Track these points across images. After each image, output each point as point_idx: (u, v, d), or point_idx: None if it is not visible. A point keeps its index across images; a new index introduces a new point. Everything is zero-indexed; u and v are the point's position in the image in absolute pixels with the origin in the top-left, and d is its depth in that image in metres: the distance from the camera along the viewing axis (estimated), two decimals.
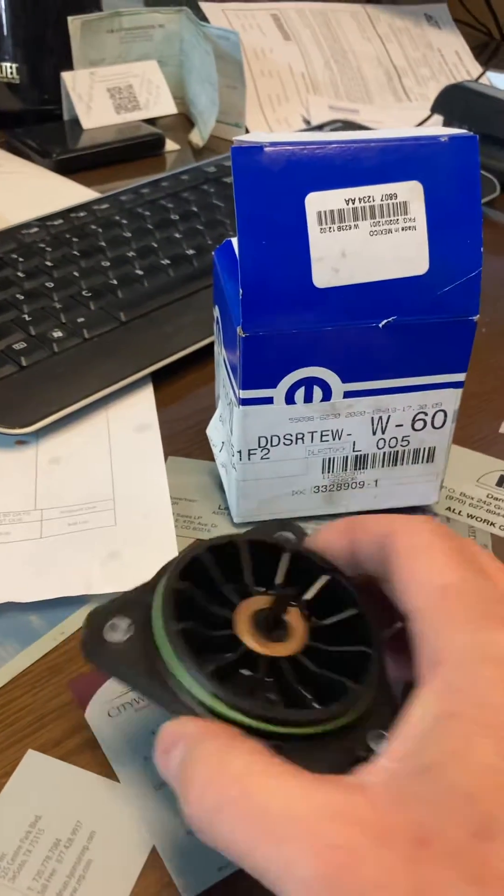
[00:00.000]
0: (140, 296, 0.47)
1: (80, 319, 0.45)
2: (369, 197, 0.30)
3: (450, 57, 0.93)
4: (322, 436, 0.34)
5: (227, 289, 0.32)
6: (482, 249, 0.31)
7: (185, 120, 0.81)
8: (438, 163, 0.30)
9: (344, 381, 0.33)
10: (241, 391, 0.32)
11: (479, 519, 0.38)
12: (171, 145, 0.75)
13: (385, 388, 0.33)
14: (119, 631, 0.24)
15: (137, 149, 0.73)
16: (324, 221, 0.30)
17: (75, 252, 0.51)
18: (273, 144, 0.29)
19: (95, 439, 0.40)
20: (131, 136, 0.73)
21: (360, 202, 0.30)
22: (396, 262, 0.30)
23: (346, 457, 0.35)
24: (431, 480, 0.37)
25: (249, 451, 0.34)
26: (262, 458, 0.34)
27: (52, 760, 0.28)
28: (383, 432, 0.35)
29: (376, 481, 0.36)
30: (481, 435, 0.43)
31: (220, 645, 0.24)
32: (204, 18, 0.81)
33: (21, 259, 0.49)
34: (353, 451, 0.35)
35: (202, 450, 0.40)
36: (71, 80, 0.73)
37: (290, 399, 0.33)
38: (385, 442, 0.35)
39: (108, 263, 0.50)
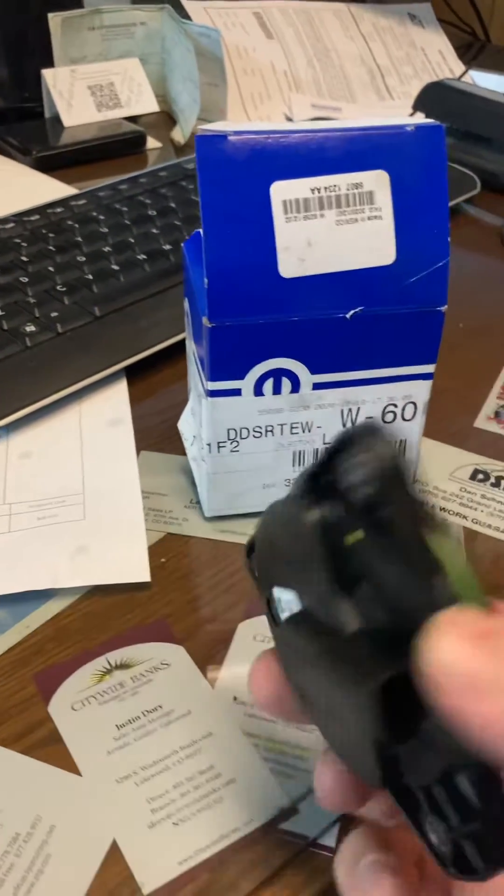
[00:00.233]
0: (115, 291, 0.47)
1: (54, 314, 0.45)
2: (335, 186, 0.30)
3: (433, 56, 0.93)
4: (292, 428, 0.34)
5: (194, 280, 0.32)
6: (449, 239, 0.31)
7: (167, 117, 0.81)
8: (405, 152, 0.30)
9: (312, 372, 0.33)
10: (208, 382, 0.32)
11: (451, 512, 0.38)
12: (152, 143, 0.75)
13: (354, 380, 0.33)
14: None
15: (118, 146, 0.72)
16: (289, 210, 0.30)
17: (51, 247, 0.50)
18: (237, 133, 0.29)
19: (67, 434, 0.40)
20: (112, 133, 0.72)
21: (325, 191, 0.30)
22: (363, 251, 0.30)
23: (317, 449, 0.35)
24: None
25: (219, 443, 0.34)
26: (231, 451, 0.34)
27: (13, 754, 0.28)
28: (353, 424, 0.35)
29: None
30: (456, 429, 0.43)
31: None
32: (186, 16, 0.81)
33: None
34: (323, 443, 0.35)
35: (175, 445, 0.40)
36: (52, 78, 0.73)
37: (258, 391, 0.33)
38: None
39: (84, 259, 0.50)
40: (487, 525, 0.37)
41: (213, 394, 0.32)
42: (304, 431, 0.34)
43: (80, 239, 0.51)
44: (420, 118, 0.74)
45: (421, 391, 0.34)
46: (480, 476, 0.39)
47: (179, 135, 0.75)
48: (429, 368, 0.34)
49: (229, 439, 0.34)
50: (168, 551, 0.35)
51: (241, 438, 0.34)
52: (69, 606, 0.33)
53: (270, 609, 0.21)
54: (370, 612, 0.18)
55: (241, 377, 0.32)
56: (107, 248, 0.51)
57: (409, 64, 0.90)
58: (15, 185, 0.65)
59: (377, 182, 0.30)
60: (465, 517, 0.37)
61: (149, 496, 0.37)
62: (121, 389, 0.43)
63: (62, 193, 0.60)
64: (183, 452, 0.39)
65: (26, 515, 0.36)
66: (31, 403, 0.40)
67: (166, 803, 0.27)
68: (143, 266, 0.49)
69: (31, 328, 0.43)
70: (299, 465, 0.35)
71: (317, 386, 0.33)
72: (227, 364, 0.32)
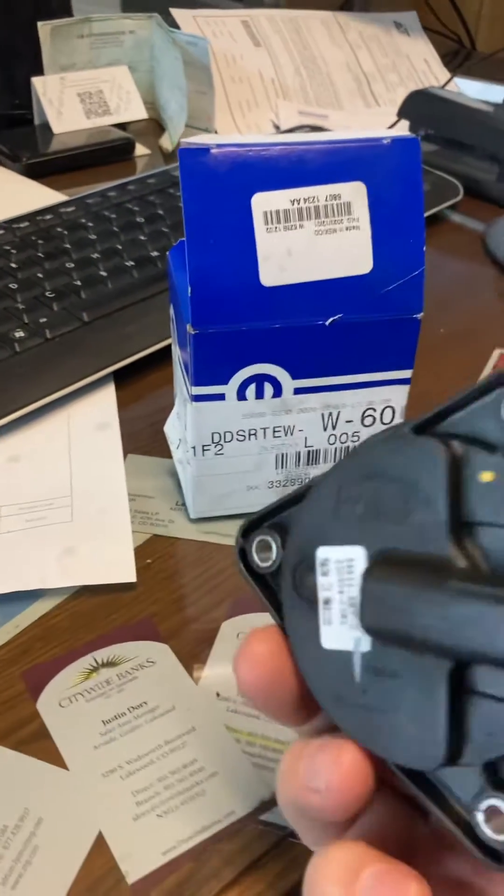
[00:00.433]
0: (103, 296, 0.48)
1: (43, 320, 0.45)
2: (314, 197, 0.31)
3: (418, 64, 0.94)
4: (274, 432, 0.35)
5: (179, 288, 0.33)
6: (424, 248, 0.32)
7: (155, 125, 0.82)
8: (381, 164, 0.31)
9: (294, 377, 0.34)
10: (192, 388, 0.33)
11: None
12: (141, 150, 0.75)
13: (334, 385, 0.34)
14: None
15: (107, 153, 0.73)
16: (270, 221, 0.30)
17: (40, 254, 0.51)
18: (220, 146, 0.30)
19: (55, 437, 0.41)
20: (101, 140, 0.73)
21: (304, 202, 0.31)
22: (341, 261, 0.31)
23: (299, 452, 0.36)
24: None
25: (203, 446, 0.35)
26: (216, 454, 0.35)
27: (2, 750, 0.28)
28: (334, 428, 0.36)
29: None
30: None
31: None
32: (175, 25, 0.82)
33: None
34: (305, 446, 0.36)
35: (161, 448, 0.41)
36: (41, 85, 0.74)
37: (241, 395, 0.34)
38: (336, 438, 0.36)
39: (73, 265, 0.50)
40: None
41: (197, 398, 0.33)
42: (286, 435, 0.35)
43: (68, 246, 0.52)
44: (401, 129, 0.75)
45: (399, 395, 0.35)
46: None
47: (168, 142, 0.76)
48: (406, 374, 0.35)
49: (213, 442, 0.35)
50: (154, 552, 0.36)
51: (226, 442, 0.35)
52: (57, 606, 0.34)
53: (295, 578, 0.21)
54: (490, 554, 0.18)
55: (225, 382, 0.33)
56: (95, 255, 0.51)
57: (394, 71, 0.92)
58: (4, 191, 0.66)
59: (355, 193, 0.31)
60: None
61: (135, 498, 0.38)
62: (108, 394, 0.44)
63: (51, 200, 0.61)
64: (169, 455, 0.40)
65: (15, 518, 0.36)
66: (20, 408, 0.41)
67: (151, 796, 0.27)
68: (130, 272, 0.50)
69: (20, 334, 0.44)
70: (282, 467, 0.36)
71: (298, 391, 0.34)
72: (210, 369, 0.32)
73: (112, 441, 0.41)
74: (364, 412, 0.35)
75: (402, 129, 0.76)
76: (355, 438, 0.36)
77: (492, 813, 0.18)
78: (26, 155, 0.70)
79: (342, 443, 0.36)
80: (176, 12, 0.83)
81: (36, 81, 0.73)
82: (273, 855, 0.26)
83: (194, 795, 0.27)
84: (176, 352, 0.36)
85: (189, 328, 0.31)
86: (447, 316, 0.55)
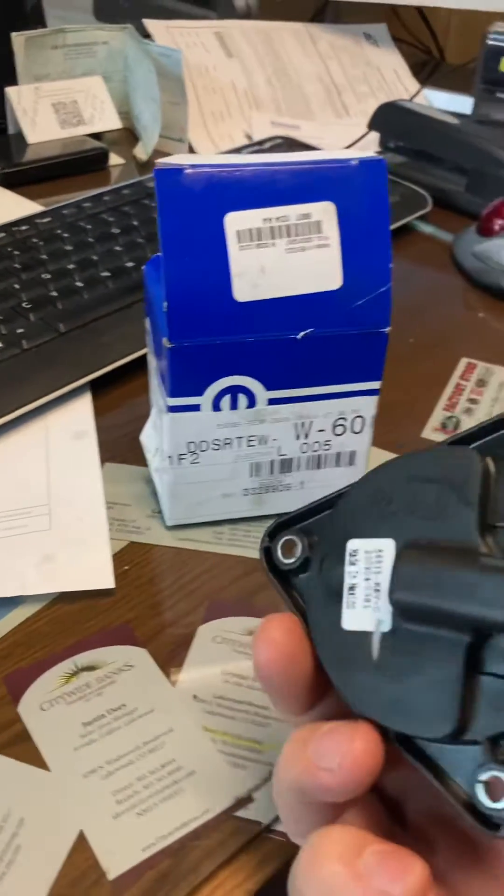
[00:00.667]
0: (79, 307, 0.49)
1: (20, 330, 0.46)
2: (285, 216, 0.32)
3: (388, 75, 0.96)
4: (248, 441, 0.36)
5: (155, 302, 0.34)
6: (391, 265, 0.33)
7: (130, 134, 0.83)
8: (349, 184, 0.32)
9: (267, 388, 0.35)
10: (169, 399, 0.34)
11: None
12: (115, 160, 0.76)
13: (306, 396, 0.35)
14: None
15: (82, 163, 0.74)
16: (242, 239, 0.32)
17: (16, 265, 0.52)
18: (193, 167, 0.31)
19: (33, 446, 0.42)
20: (76, 150, 0.74)
21: (276, 221, 0.32)
22: (312, 277, 0.32)
23: (273, 461, 0.37)
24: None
25: (179, 455, 0.36)
26: (191, 463, 0.36)
27: None
28: (306, 437, 0.37)
29: (301, 483, 0.38)
30: (406, 440, 0.45)
31: None
32: (148, 36, 0.83)
33: None
34: (279, 455, 0.37)
35: (138, 456, 0.42)
36: (16, 95, 0.74)
37: (216, 406, 0.35)
38: (308, 446, 0.37)
39: (49, 276, 0.51)
40: None
41: (173, 409, 0.34)
42: (260, 444, 0.36)
43: (45, 256, 0.53)
44: (371, 141, 0.77)
45: (368, 406, 0.36)
46: None
47: (142, 152, 0.77)
48: (375, 385, 0.36)
49: (189, 451, 0.36)
50: (131, 559, 0.37)
51: (201, 451, 0.36)
52: (37, 612, 0.35)
53: (323, 567, 0.23)
54: None
55: (200, 394, 0.34)
56: (71, 266, 0.52)
57: (365, 82, 0.93)
58: None
59: (324, 213, 0.32)
60: None
61: (113, 506, 0.39)
62: (85, 403, 0.45)
63: (27, 210, 0.62)
64: (145, 464, 0.41)
65: None
66: None
67: (130, 795, 0.28)
68: (106, 283, 0.51)
69: None
70: (256, 475, 0.37)
71: (272, 401, 0.35)
72: (186, 381, 0.34)
73: (89, 450, 0.42)
74: (335, 422, 0.37)
75: (373, 141, 0.78)
76: (327, 447, 0.37)
77: (491, 784, 0.20)
78: (1, 165, 0.70)
79: (314, 451, 0.37)
80: (149, 23, 0.84)
81: (10, 91, 0.74)
82: (249, 849, 0.27)
83: (172, 794, 0.28)
84: (152, 362, 0.37)
85: (165, 342, 0.32)
86: (416, 326, 0.56)
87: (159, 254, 0.36)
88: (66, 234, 0.56)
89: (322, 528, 0.24)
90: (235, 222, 0.31)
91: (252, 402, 0.35)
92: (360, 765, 0.20)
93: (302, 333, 0.33)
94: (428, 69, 1.12)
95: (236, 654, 0.33)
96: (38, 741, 0.30)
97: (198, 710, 0.31)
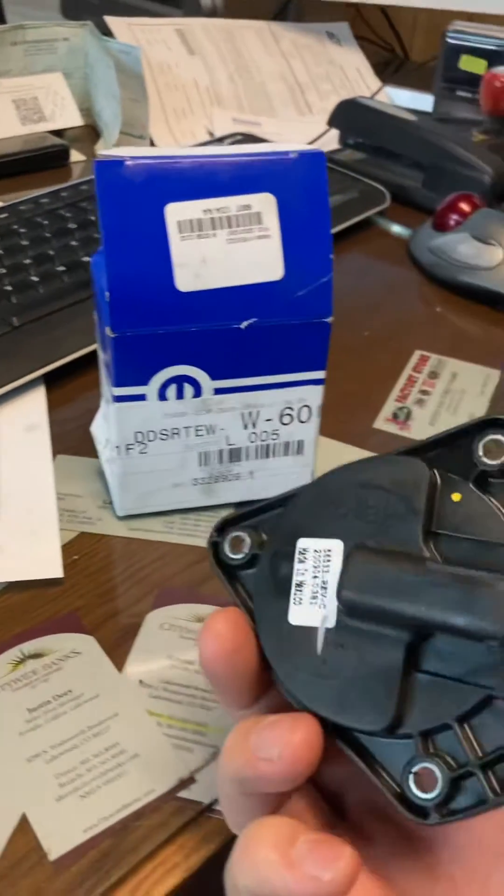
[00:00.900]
0: (34, 301, 0.49)
1: None
2: (225, 207, 0.32)
3: (351, 73, 0.96)
4: (196, 431, 0.37)
5: (99, 293, 0.34)
6: (332, 256, 0.34)
7: (91, 131, 0.83)
8: (289, 176, 0.33)
9: (213, 378, 0.35)
10: (114, 388, 0.34)
11: None
12: (77, 156, 0.76)
13: (252, 386, 0.36)
14: None
15: (42, 160, 0.74)
16: (184, 230, 0.32)
17: None
18: (134, 159, 0.32)
19: None
20: (36, 147, 0.74)
21: (217, 212, 0.32)
22: (253, 267, 0.33)
23: (221, 450, 0.38)
24: (303, 471, 0.39)
25: (127, 446, 0.36)
26: (140, 453, 0.37)
27: None
28: (254, 427, 0.37)
29: (251, 473, 0.39)
30: (358, 430, 0.46)
31: None
32: (109, 33, 0.83)
33: None
34: (227, 444, 0.38)
35: (90, 449, 0.42)
36: None
37: (162, 396, 0.35)
38: (256, 436, 0.38)
39: (4, 270, 0.51)
40: None
41: (119, 399, 0.35)
42: (208, 434, 0.37)
43: (0, 252, 0.53)
44: (332, 137, 0.78)
45: (314, 395, 0.37)
46: None
47: (103, 148, 0.77)
48: (320, 374, 0.36)
49: (137, 442, 0.36)
50: (81, 549, 0.37)
51: (149, 441, 0.36)
52: None
53: (271, 565, 0.24)
54: (449, 558, 0.22)
55: (145, 383, 0.34)
56: (27, 261, 0.52)
57: (327, 80, 0.94)
58: None
59: (264, 204, 0.33)
60: None
61: (64, 497, 0.40)
62: (38, 396, 0.45)
63: None
64: (97, 455, 0.41)
65: None
66: None
67: (73, 778, 0.29)
68: (61, 277, 0.51)
69: None
70: (205, 465, 0.38)
71: (218, 391, 0.36)
72: (130, 371, 0.34)
73: (41, 442, 0.42)
74: (282, 411, 0.37)
75: (333, 138, 0.79)
76: (275, 436, 0.38)
77: (421, 776, 0.21)
78: None
79: (262, 441, 0.38)
80: (111, 20, 0.85)
81: None
82: (190, 828, 0.28)
83: (116, 776, 0.29)
84: (101, 354, 0.38)
85: (108, 331, 0.33)
86: (372, 319, 0.57)
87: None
88: (22, 230, 0.56)
89: (271, 526, 0.25)
90: (176, 213, 0.32)
91: (198, 392, 0.35)
92: (299, 756, 0.21)
93: (245, 323, 0.34)
94: (392, 68, 1.14)
95: (183, 640, 0.34)
96: None
97: (144, 695, 0.31)
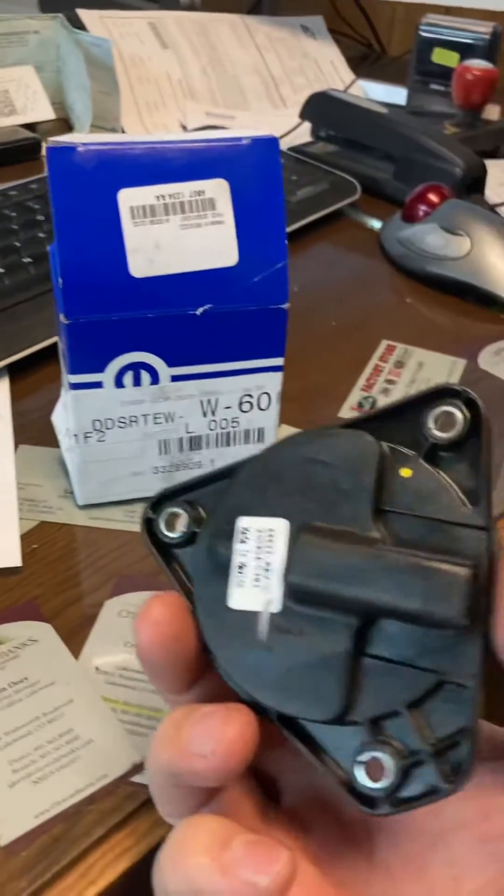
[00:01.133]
0: None
1: None
2: (178, 193, 0.32)
3: (325, 66, 0.96)
4: (155, 419, 0.37)
5: (54, 280, 0.34)
6: (286, 242, 0.34)
7: (64, 125, 0.82)
8: (242, 162, 0.33)
9: (170, 365, 0.35)
10: (70, 376, 0.34)
11: None
12: None
13: (210, 373, 0.36)
14: None
15: (13, 153, 0.74)
16: (136, 216, 0.32)
17: None
18: (86, 145, 0.32)
19: None
20: (7, 140, 0.74)
21: (170, 198, 0.32)
22: (208, 253, 0.33)
23: (181, 438, 0.38)
24: None
25: (85, 434, 0.36)
26: (98, 441, 0.37)
27: None
28: (213, 414, 0.37)
29: (212, 461, 0.39)
30: (321, 419, 0.46)
31: None
32: (81, 26, 0.82)
33: None
34: (187, 432, 0.38)
35: (53, 439, 0.42)
36: None
37: (119, 383, 0.35)
38: (216, 423, 0.38)
39: None
40: None
41: (75, 386, 0.35)
42: (167, 421, 0.37)
43: None
44: (304, 130, 0.78)
45: (273, 383, 0.37)
46: None
47: None
48: (278, 361, 0.36)
49: (95, 430, 0.36)
50: (41, 538, 0.37)
51: (107, 429, 0.36)
52: None
53: (210, 544, 0.23)
54: (399, 538, 0.21)
55: (101, 370, 0.34)
56: None
57: (301, 74, 0.94)
58: None
59: (218, 190, 0.33)
60: None
61: (24, 487, 0.39)
62: (1, 387, 0.45)
63: None
64: (59, 445, 0.41)
65: None
66: None
67: (27, 764, 0.29)
68: (27, 268, 0.51)
69: None
70: (165, 453, 0.38)
71: (175, 378, 0.36)
72: (86, 358, 0.34)
73: (2, 432, 0.42)
74: (241, 399, 0.37)
75: (306, 131, 0.79)
76: (235, 424, 0.38)
77: (371, 765, 0.21)
78: None
79: (223, 428, 0.38)
80: (83, 13, 0.84)
81: None
82: (142, 812, 0.28)
83: (69, 762, 0.29)
84: (59, 343, 0.37)
85: (62, 318, 0.33)
86: (340, 310, 0.57)
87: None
88: None
89: (211, 501, 0.24)
90: (128, 199, 0.32)
91: (155, 379, 0.35)
92: (233, 752, 0.20)
93: (200, 309, 0.34)
94: (369, 62, 1.14)
95: None
96: None
97: (99, 682, 0.31)
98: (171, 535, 0.24)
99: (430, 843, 0.22)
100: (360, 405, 0.47)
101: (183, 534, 0.24)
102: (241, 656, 0.22)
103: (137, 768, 0.29)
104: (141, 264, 0.32)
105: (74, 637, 0.33)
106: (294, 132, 0.79)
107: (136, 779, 0.29)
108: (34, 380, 0.47)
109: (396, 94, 0.93)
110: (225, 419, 0.38)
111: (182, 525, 0.24)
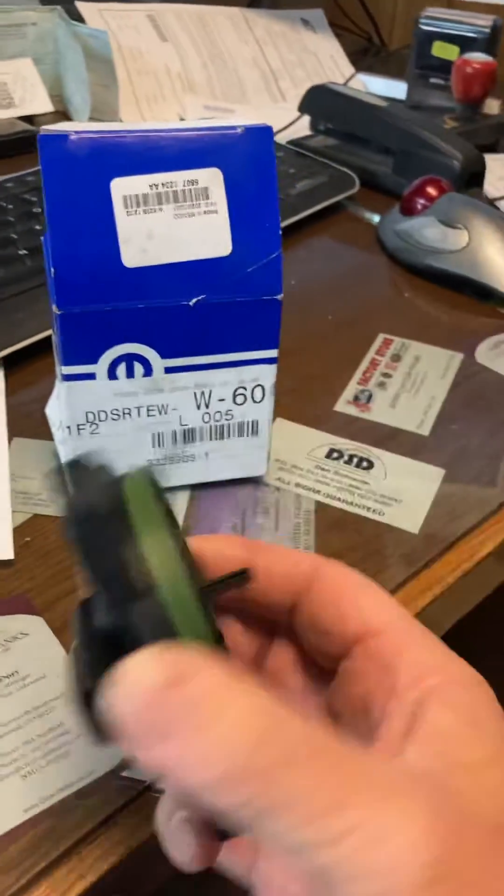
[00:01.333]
0: None
1: None
2: (172, 182, 0.32)
3: (325, 60, 0.96)
4: (148, 411, 0.36)
5: (47, 270, 0.34)
6: (280, 232, 0.33)
7: (63, 117, 0.82)
8: (236, 151, 0.32)
9: (163, 356, 0.35)
10: (62, 367, 0.34)
11: (305, 487, 0.40)
12: None
13: (204, 364, 0.36)
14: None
15: (12, 145, 0.73)
16: (129, 205, 0.32)
17: None
18: (78, 133, 0.31)
19: None
20: (4, 132, 0.73)
21: (163, 187, 0.32)
22: (201, 243, 0.33)
23: (175, 431, 0.37)
24: (258, 453, 0.39)
25: (78, 426, 0.36)
26: (91, 434, 0.36)
27: None
28: (207, 407, 0.37)
29: (206, 454, 0.39)
30: (317, 412, 0.46)
31: None
32: (79, 18, 0.82)
33: None
34: (181, 425, 0.37)
35: (47, 431, 0.41)
36: None
37: (112, 375, 0.35)
38: (210, 416, 0.37)
39: None
40: (336, 498, 0.40)
41: (67, 378, 0.34)
42: (160, 414, 0.37)
43: None
44: (303, 123, 0.77)
45: (267, 375, 0.37)
46: (335, 454, 0.42)
47: None
48: (272, 353, 0.36)
49: (88, 422, 0.36)
50: (34, 531, 0.37)
51: (100, 421, 0.36)
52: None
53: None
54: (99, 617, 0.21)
55: (94, 362, 0.34)
56: None
57: (301, 67, 0.94)
58: None
59: (211, 179, 0.32)
60: (318, 492, 0.40)
61: (18, 480, 0.39)
62: None
63: None
64: (53, 438, 0.41)
65: None
66: None
67: (16, 759, 0.28)
68: (23, 261, 0.51)
69: None
70: (159, 446, 0.38)
71: (169, 370, 0.35)
72: (79, 349, 0.34)
73: None
74: (235, 391, 0.37)
75: (305, 124, 0.78)
76: (229, 417, 0.38)
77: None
78: None
79: (216, 421, 0.38)
80: (81, 5, 0.84)
81: None
82: (130, 808, 0.28)
83: (59, 756, 0.29)
84: (53, 335, 0.37)
85: (54, 308, 0.32)
86: (338, 303, 0.57)
87: None
88: None
89: None
90: (121, 188, 0.31)
91: (148, 371, 0.35)
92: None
93: (194, 300, 0.33)
94: (370, 56, 1.13)
95: None
96: None
97: None
98: None
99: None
100: (356, 398, 0.47)
101: None
102: None
103: (127, 763, 0.28)
104: (134, 254, 0.32)
105: (67, 630, 0.33)
106: (293, 126, 0.79)
107: (126, 773, 0.28)
108: (29, 372, 0.46)
109: (396, 89, 0.92)
110: (219, 412, 0.37)
111: None
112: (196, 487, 0.40)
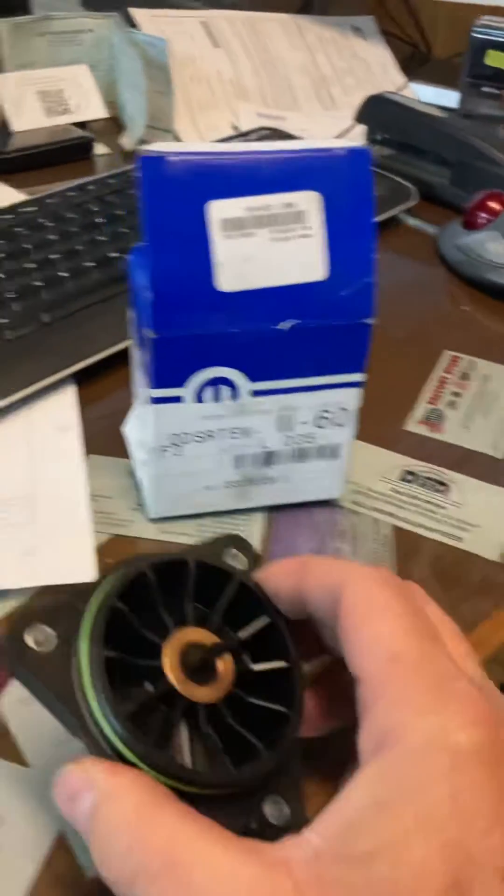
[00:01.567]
0: (63, 297, 0.48)
1: (3, 321, 0.46)
2: (269, 206, 0.31)
3: (375, 67, 0.95)
4: (232, 433, 0.36)
5: (138, 292, 0.34)
6: (376, 256, 0.33)
7: (116, 124, 0.82)
8: (334, 174, 0.32)
9: (251, 380, 0.34)
10: (152, 390, 0.34)
11: (382, 512, 0.40)
12: (101, 149, 0.76)
13: (290, 388, 0.35)
14: (43, 638, 0.24)
15: (67, 152, 0.73)
16: (226, 228, 0.31)
17: (0, 254, 0.51)
18: (178, 154, 0.31)
19: (16, 439, 0.41)
20: (61, 139, 0.73)
21: (260, 210, 0.31)
22: (296, 267, 0.32)
23: (256, 453, 0.37)
24: (336, 475, 0.39)
25: (162, 448, 0.36)
26: (174, 455, 0.36)
27: None
28: (290, 430, 0.37)
29: (285, 476, 0.38)
30: (389, 433, 0.45)
31: (144, 675, 0.25)
32: (134, 25, 0.82)
33: None
34: (262, 447, 0.37)
35: (121, 449, 0.41)
36: (0, 83, 0.73)
37: (199, 398, 0.34)
38: (292, 439, 0.37)
39: (33, 265, 0.51)
40: (413, 523, 0.39)
41: (156, 401, 0.34)
42: (243, 436, 0.36)
43: (29, 246, 0.52)
44: (358, 133, 0.77)
45: (351, 398, 0.36)
46: (409, 477, 0.42)
47: (128, 141, 0.77)
48: (358, 377, 0.36)
49: (172, 444, 0.35)
50: (114, 552, 0.37)
51: (184, 443, 0.36)
52: (20, 606, 0.34)
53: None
54: None
55: (183, 385, 0.34)
56: (55, 256, 0.52)
57: (352, 75, 0.93)
58: None
59: (308, 202, 0.32)
60: (394, 516, 0.40)
61: (96, 499, 0.39)
62: (69, 395, 0.44)
63: (11, 199, 0.61)
64: (128, 456, 0.40)
65: None
66: None
67: None
68: (90, 273, 0.51)
69: None
70: (239, 468, 0.37)
71: (255, 393, 0.35)
72: (169, 373, 0.33)
73: (72, 442, 0.41)
74: (318, 414, 0.36)
75: (359, 133, 0.78)
76: (310, 440, 0.37)
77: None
78: None
79: (298, 444, 0.37)
80: (135, 12, 0.84)
81: None
82: None
83: None
84: (135, 353, 0.37)
85: (150, 333, 0.32)
86: (400, 318, 0.56)
87: (143, 244, 0.35)
88: (50, 224, 0.55)
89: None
90: (219, 211, 0.31)
91: (235, 394, 0.35)
92: None
93: (286, 324, 0.33)
94: (415, 63, 1.12)
95: None
96: (18, 735, 0.29)
97: None
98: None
99: None
100: (427, 418, 0.46)
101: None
102: None
103: None
104: (229, 278, 0.32)
105: None
106: (347, 135, 0.78)
107: None
108: (99, 387, 0.46)
109: (447, 98, 0.92)
110: (301, 434, 0.37)
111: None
112: (273, 509, 0.40)
